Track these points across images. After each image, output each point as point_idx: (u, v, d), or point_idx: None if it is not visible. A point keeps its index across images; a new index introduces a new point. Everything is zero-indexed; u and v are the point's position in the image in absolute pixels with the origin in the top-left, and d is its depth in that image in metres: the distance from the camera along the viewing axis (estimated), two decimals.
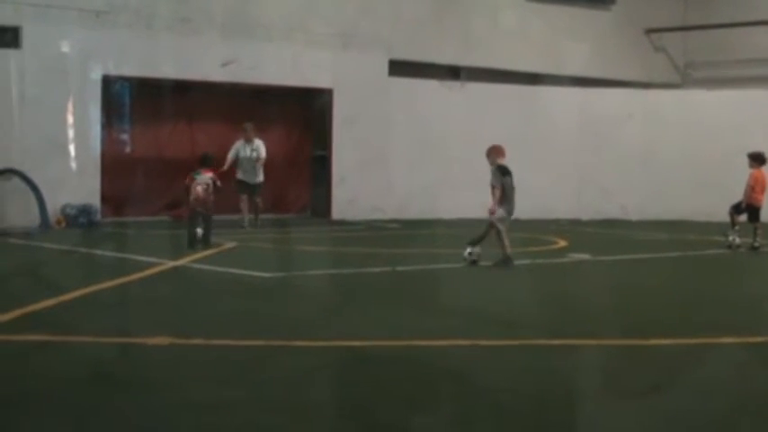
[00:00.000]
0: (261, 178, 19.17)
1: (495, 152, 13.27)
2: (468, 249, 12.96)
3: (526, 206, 13.19)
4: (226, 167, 18.32)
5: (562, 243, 16.77)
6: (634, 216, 23.13)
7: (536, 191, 19.95)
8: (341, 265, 13.74)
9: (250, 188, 19.05)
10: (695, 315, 9.85)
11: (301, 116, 22.68)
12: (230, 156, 18.95)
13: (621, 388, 6.47)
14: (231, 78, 20.24)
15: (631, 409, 5.96)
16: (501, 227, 12.86)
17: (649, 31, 25.97)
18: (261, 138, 19.38)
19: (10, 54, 18.17)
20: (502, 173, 13.03)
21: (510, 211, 13.03)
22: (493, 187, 13.02)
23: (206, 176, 14.47)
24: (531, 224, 18.23)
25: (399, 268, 12.87)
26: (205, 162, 14.90)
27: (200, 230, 14.48)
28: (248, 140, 19.07)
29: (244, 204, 19.02)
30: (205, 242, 14.47)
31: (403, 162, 22.02)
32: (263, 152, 19.08)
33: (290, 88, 21.41)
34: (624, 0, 25.57)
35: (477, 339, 7.85)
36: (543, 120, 23.15)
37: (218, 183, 14.68)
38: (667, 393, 6.36)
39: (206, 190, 14.41)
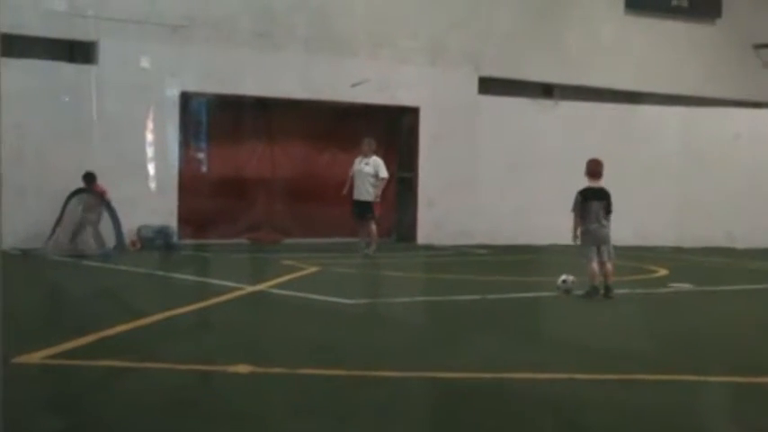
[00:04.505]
0: (371, 197, 17.77)
1: (587, 169, 12.45)
2: (563, 277, 12.27)
3: (624, 232, 12.39)
4: (345, 191, 17.97)
5: (663, 272, 16.17)
6: (741, 244, 22.18)
7: (635, 216, 19.46)
8: (428, 292, 13.44)
9: (360, 207, 17.79)
10: None
11: (386, 135, 21.99)
12: (350, 174, 18.07)
13: (733, 429, 6.15)
14: (313, 96, 19.78)
15: None
16: (585, 257, 12.09)
17: (758, 47, 24.99)
18: (348, 157, 18.65)
19: (87, 70, 18.04)
20: (583, 197, 12.17)
21: (594, 241, 12.07)
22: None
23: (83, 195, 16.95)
24: (629, 251, 17.57)
25: (490, 296, 12.48)
26: (89, 179, 17.09)
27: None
28: (365, 155, 17.93)
29: (361, 229, 17.99)
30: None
31: (492, 184, 21.41)
32: (383, 171, 17.88)
33: (374, 106, 20.88)
34: (730, 13, 24.69)
35: (575, 373, 7.51)
36: (642, 141, 22.43)
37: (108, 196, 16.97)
38: None
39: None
